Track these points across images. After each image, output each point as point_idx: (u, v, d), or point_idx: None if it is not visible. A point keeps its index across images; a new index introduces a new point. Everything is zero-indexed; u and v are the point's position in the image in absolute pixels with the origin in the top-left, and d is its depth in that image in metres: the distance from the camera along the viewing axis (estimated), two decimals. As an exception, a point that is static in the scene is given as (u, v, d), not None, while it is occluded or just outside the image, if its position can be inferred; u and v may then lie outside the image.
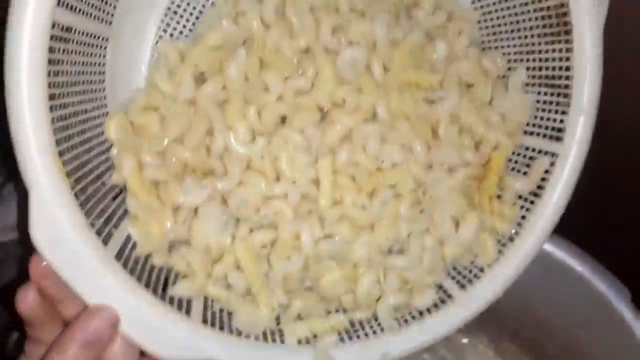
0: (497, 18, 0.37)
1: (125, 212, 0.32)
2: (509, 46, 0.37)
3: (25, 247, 0.38)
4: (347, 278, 0.32)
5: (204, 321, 0.31)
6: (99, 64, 0.32)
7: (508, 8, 0.36)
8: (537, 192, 0.35)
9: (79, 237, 0.27)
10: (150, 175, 0.31)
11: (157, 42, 0.35)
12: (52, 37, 0.26)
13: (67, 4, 0.27)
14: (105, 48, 0.32)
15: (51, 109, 0.26)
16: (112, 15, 0.32)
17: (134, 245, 0.31)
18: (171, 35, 0.35)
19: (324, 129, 0.32)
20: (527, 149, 0.36)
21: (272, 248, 0.32)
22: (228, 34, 0.32)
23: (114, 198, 0.32)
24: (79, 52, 0.29)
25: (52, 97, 0.26)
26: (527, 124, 0.36)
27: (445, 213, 0.33)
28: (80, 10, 0.28)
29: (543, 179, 0.35)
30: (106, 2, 0.31)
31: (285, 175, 0.32)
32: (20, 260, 0.42)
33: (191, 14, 0.35)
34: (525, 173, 0.36)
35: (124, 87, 0.34)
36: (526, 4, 0.34)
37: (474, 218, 0.34)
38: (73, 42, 0.28)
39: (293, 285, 0.32)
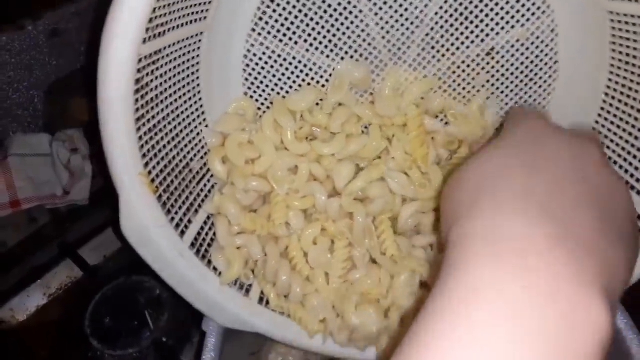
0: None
1: (205, 198, 0.36)
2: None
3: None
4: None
5: (260, 301, 0.37)
6: (193, 58, 0.33)
7: None
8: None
9: (159, 235, 0.32)
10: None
11: (255, 25, 0.35)
12: (138, 70, 0.28)
13: (156, 34, 0.28)
14: (200, 41, 0.33)
15: (138, 129, 0.29)
16: (207, 10, 0.32)
17: (207, 232, 0.36)
18: (268, 20, 0.35)
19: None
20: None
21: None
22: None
23: (199, 182, 0.36)
24: (170, 62, 0.31)
25: (139, 118, 0.29)
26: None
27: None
28: (172, 28, 0.29)
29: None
30: (201, 3, 0.31)
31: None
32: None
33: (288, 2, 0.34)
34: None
35: (220, 73, 0.36)
36: None
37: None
38: (163, 57, 0.30)
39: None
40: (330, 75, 0.36)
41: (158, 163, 0.32)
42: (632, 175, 0.32)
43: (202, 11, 0.32)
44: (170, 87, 0.32)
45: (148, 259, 0.32)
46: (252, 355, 0.44)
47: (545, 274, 0.17)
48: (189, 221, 0.34)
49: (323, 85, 0.37)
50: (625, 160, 0.33)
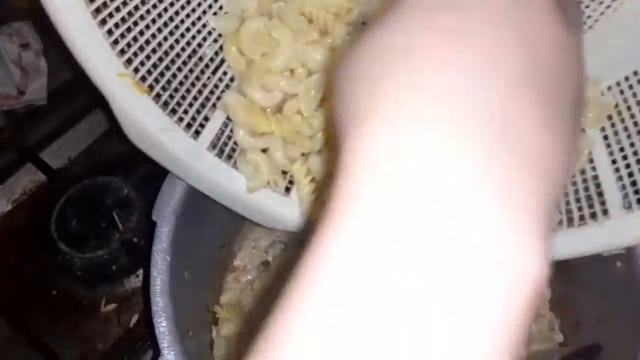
0: None
1: (226, 88, 0.31)
2: None
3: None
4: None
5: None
6: None
7: None
8: None
9: (167, 138, 0.29)
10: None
11: None
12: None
13: None
14: None
15: (103, 22, 0.25)
16: None
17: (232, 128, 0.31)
18: None
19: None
20: None
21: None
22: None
23: (215, 70, 0.31)
24: None
25: (97, 10, 0.25)
26: None
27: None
28: None
29: None
30: None
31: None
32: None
33: None
34: None
35: None
36: None
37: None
38: None
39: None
40: None
41: (147, 57, 0.28)
42: None
43: None
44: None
45: (164, 164, 0.30)
46: (221, 249, 0.41)
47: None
48: (205, 118, 0.30)
49: None
50: None
